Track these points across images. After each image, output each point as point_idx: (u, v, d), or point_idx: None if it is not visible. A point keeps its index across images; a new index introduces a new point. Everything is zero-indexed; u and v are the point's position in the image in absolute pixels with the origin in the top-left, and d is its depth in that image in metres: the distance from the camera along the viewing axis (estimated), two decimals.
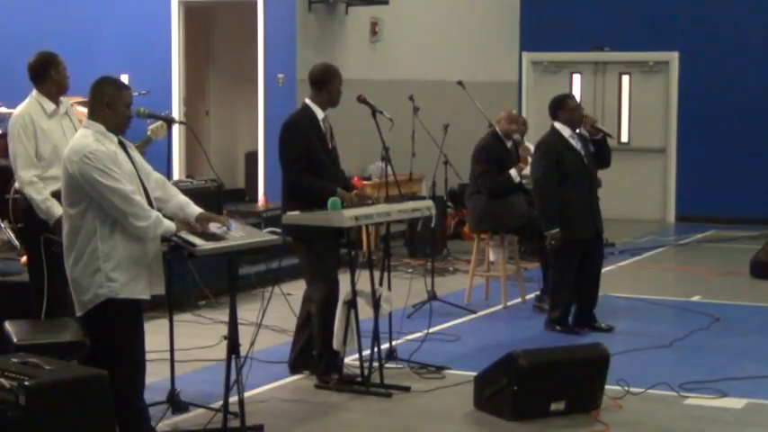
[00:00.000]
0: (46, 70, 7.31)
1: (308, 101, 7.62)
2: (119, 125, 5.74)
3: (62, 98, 7.44)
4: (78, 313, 5.71)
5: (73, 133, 7.17)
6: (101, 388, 5.24)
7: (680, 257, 13.72)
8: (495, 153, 10.06)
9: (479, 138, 10.33)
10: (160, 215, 5.68)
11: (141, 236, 5.61)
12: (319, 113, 7.59)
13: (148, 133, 7.53)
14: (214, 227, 5.90)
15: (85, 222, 5.59)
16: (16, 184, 7.33)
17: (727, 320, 9.60)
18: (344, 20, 13.83)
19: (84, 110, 5.99)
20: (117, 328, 5.67)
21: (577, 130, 9.16)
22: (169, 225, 5.68)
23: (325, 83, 7.60)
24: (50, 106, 7.28)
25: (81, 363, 5.83)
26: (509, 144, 10.21)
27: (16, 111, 7.36)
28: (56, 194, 6.95)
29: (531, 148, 10.75)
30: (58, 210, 6.95)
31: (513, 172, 9.98)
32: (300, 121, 7.60)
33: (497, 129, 10.19)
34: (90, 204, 5.57)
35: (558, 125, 9.12)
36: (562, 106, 9.16)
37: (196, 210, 5.95)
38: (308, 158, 7.46)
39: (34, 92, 7.33)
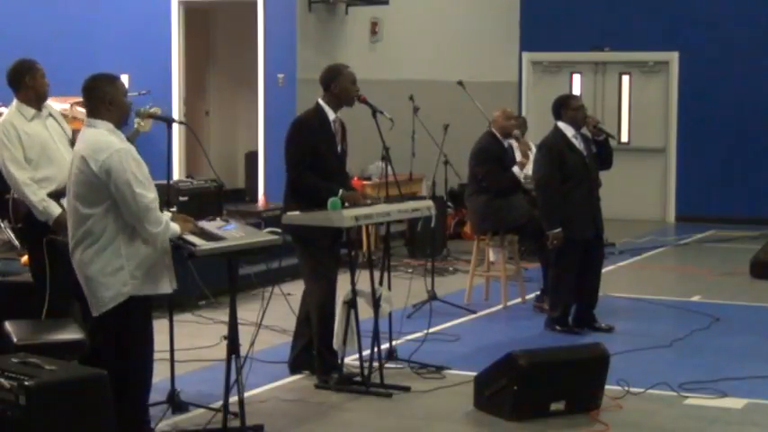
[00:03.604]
0: (21, 78, 7.28)
1: (320, 101, 7.63)
2: (122, 118, 5.79)
3: (47, 104, 7.38)
4: (94, 313, 5.66)
5: (59, 132, 7.25)
6: (101, 388, 5.25)
7: (680, 257, 13.71)
8: (494, 153, 10.05)
9: (479, 138, 10.32)
10: (169, 219, 5.71)
11: (151, 240, 5.63)
12: (330, 114, 7.58)
13: (135, 126, 7.55)
14: (214, 226, 5.92)
15: (108, 223, 5.58)
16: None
17: (727, 320, 9.60)
18: (344, 20, 13.83)
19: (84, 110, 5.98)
20: (135, 325, 5.67)
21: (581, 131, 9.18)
22: (175, 228, 5.74)
23: (329, 82, 7.60)
24: (30, 112, 7.23)
25: (81, 363, 5.83)
26: (506, 144, 10.21)
27: None
28: (53, 195, 6.95)
29: (531, 143, 10.72)
30: (55, 209, 6.94)
31: (515, 169, 10.00)
32: (309, 119, 7.60)
33: (493, 129, 10.18)
34: (112, 205, 5.58)
35: (561, 125, 9.11)
36: (566, 105, 9.14)
37: None
38: (313, 157, 7.46)
39: (15, 101, 7.31)
